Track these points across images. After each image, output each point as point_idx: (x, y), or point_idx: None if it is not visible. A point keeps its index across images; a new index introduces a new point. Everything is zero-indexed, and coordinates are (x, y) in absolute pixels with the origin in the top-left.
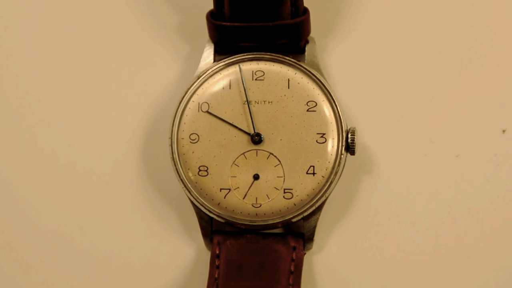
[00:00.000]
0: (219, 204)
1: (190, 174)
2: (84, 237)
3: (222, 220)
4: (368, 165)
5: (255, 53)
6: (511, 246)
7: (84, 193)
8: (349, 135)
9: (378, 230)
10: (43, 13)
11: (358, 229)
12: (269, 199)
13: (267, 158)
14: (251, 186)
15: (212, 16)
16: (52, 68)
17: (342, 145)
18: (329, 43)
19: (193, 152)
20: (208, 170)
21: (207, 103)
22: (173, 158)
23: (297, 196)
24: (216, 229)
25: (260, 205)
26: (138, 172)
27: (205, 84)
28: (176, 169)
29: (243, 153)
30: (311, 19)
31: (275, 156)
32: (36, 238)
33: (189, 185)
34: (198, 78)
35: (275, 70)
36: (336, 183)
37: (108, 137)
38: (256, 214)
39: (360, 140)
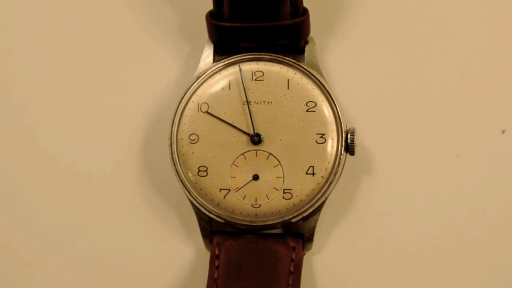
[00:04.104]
0: (218, 204)
1: (190, 175)
2: (84, 237)
3: (222, 221)
4: (368, 166)
5: (254, 53)
6: (511, 246)
7: (84, 193)
8: (349, 136)
9: (377, 230)
10: (43, 13)
11: (357, 230)
12: (268, 199)
13: (267, 158)
14: (250, 186)
15: (211, 17)
16: (52, 68)
17: (341, 146)
18: (329, 43)
19: (192, 153)
20: (207, 171)
21: (207, 103)
22: (172, 159)
23: (296, 196)
24: (216, 229)
25: (260, 206)
26: (138, 172)
27: (205, 85)
28: (176, 169)
29: (243, 154)
30: (311, 19)
31: (275, 157)
32: (36, 238)
33: (188, 185)
34: (198, 79)
35: (275, 71)
36: (336, 183)
37: (108, 137)
38: (256, 215)
39: (360, 141)
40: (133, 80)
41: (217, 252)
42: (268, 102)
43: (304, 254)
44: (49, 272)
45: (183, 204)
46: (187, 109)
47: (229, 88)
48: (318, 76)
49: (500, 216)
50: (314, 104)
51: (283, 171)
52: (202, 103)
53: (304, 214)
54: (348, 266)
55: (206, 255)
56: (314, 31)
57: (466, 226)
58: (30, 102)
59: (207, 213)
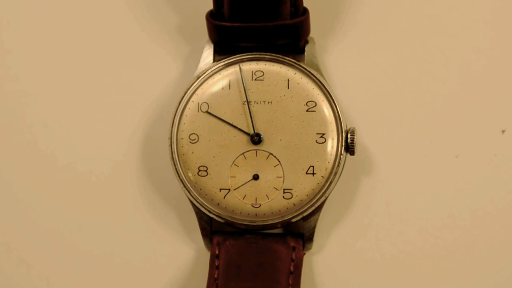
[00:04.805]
0: (218, 204)
1: (190, 174)
2: (84, 237)
3: (222, 220)
4: (368, 166)
5: (254, 53)
6: (511, 246)
7: (84, 193)
8: (349, 135)
9: (377, 230)
10: (43, 13)
11: (357, 229)
12: (268, 199)
13: (267, 158)
14: (250, 186)
15: (211, 16)
16: (52, 69)
17: (341, 145)
18: (329, 43)
19: (192, 152)
20: (207, 170)
21: (207, 103)
22: (172, 158)
23: (296, 196)
24: (216, 229)
25: (260, 205)
26: (138, 172)
27: (205, 84)
28: (176, 169)
29: (243, 153)
30: (311, 19)
31: (275, 156)
32: (36, 238)
33: (188, 185)
34: (198, 78)
35: (275, 70)
36: (336, 183)
37: (108, 137)
38: (256, 214)
39: (360, 140)
40: (133, 80)
41: (217, 252)
42: (268, 102)
43: (304, 254)
44: (49, 272)
45: (183, 204)
46: (187, 109)
47: (229, 88)
48: (318, 76)
49: (500, 216)
50: (314, 104)
51: (283, 171)
52: (202, 103)
53: (304, 214)
54: (348, 266)
55: (206, 255)
56: (314, 31)
57: (466, 226)
58: (30, 102)
59: (207, 213)
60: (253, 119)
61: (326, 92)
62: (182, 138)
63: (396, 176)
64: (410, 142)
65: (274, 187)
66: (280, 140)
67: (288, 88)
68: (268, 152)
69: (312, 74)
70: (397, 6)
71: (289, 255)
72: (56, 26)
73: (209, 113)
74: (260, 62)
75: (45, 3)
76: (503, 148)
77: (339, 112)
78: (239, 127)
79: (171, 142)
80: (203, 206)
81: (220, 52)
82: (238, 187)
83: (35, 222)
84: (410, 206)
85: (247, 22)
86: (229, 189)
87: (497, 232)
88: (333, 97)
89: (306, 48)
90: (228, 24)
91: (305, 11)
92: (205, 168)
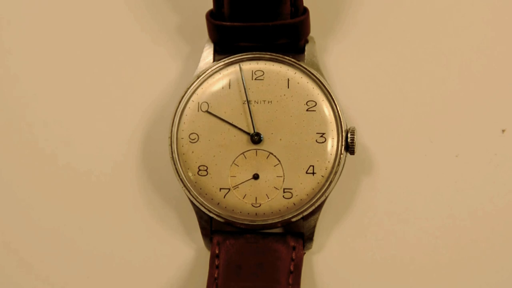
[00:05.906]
0: (218, 203)
1: (190, 174)
2: (84, 237)
3: (222, 220)
4: (368, 165)
5: (254, 52)
6: (511, 246)
7: (84, 193)
8: (349, 135)
9: (377, 230)
10: (43, 13)
11: (357, 229)
12: (268, 198)
13: (267, 157)
14: (250, 185)
15: (211, 16)
16: (52, 69)
17: (341, 145)
18: (329, 43)
19: (192, 152)
20: (207, 170)
21: (207, 102)
22: (172, 158)
23: (296, 195)
24: (216, 229)
25: (260, 205)
26: (138, 172)
27: (205, 84)
28: (176, 168)
29: (243, 153)
30: (311, 19)
31: (275, 156)
32: (36, 238)
33: (188, 184)
34: (198, 78)
35: (275, 70)
36: (336, 183)
37: (108, 137)
38: (256, 214)
39: (360, 140)
40: (133, 80)
41: (217, 252)
42: (268, 102)
43: (304, 253)
44: (49, 272)
45: (183, 204)
46: (187, 108)
47: (229, 88)
48: (318, 76)
49: (500, 216)
50: (314, 104)
51: (283, 170)
52: (202, 103)
53: (304, 214)
54: (348, 265)
55: (206, 255)
56: (314, 31)
57: (466, 226)
58: (30, 102)
59: (207, 212)
60: (253, 119)
61: (326, 92)
62: (182, 138)
63: (396, 176)
64: (410, 142)
65: (274, 187)
66: (280, 139)
67: (288, 87)
68: (268, 151)
69: (312, 74)
70: (397, 6)
71: (289, 255)
72: (56, 26)
73: (209, 113)
74: (260, 61)
75: (45, 3)
76: (503, 148)
77: (339, 112)
78: (239, 126)
79: (171, 141)
80: (203, 206)
81: (220, 51)
82: (238, 187)
83: (35, 222)
84: (410, 206)
85: (247, 21)
86: (229, 189)
87: (497, 232)
88: (333, 97)
89: (306, 48)
90: (228, 23)
91: (305, 10)
92: (205, 168)
